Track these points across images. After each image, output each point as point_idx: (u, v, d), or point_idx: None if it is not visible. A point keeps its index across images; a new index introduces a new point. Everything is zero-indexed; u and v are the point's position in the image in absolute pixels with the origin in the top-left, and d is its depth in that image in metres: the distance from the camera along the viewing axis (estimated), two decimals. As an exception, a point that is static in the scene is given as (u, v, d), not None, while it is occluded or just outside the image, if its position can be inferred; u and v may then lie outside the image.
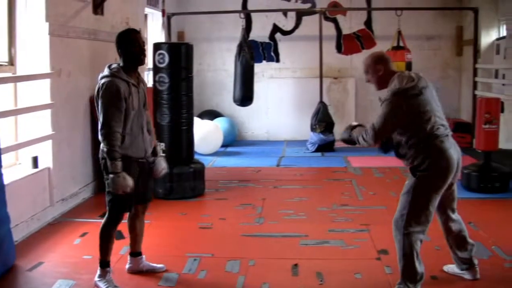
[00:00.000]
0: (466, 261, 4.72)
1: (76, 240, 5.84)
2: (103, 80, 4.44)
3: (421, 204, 4.27)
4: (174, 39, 12.02)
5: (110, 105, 4.37)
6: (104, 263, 4.67)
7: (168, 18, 11.36)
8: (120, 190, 4.39)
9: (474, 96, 10.93)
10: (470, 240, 4.70)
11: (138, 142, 4.60)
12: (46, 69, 6.52)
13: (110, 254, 4.69)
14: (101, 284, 4.63)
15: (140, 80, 4.71)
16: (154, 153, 4.86)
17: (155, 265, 5.05)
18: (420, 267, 4.32)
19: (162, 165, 4.87)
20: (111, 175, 4.38)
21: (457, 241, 4.69)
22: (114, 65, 4.55)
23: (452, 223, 4.65)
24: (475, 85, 11.23)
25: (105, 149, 4.38)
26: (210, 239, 6.01)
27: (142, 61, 4.63)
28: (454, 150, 4.29)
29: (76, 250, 5.57)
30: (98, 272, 4.67)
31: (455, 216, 4.67)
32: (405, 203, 4.32)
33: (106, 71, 4.50)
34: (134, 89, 4.54)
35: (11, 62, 6.34)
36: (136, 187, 4.55)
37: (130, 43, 4.55)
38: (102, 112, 4.39)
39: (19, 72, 6.40)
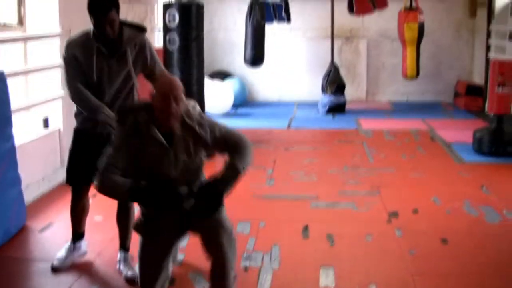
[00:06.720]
0: None
1: (87, 201, 5.87)
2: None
3: None
4: (184, -2, 11.87)
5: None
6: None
7: (178, -23, 11.21)
8: None
9: (487, 58, 10.78)
10: None
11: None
12: (56, 29, 6.47)
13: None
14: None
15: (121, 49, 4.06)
16: None
17: None
18: None
19: None
20: None
21: None
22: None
23: None
24: (488, 48, 11.06)
25: None
26: (221, 200, 6.01)
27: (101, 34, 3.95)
28: None
29: (87, 211, 5.59)
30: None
31: None
32: None
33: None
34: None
35: (21, 22, 6.28)
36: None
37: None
38: None
39: (29, 32, 6.35)
